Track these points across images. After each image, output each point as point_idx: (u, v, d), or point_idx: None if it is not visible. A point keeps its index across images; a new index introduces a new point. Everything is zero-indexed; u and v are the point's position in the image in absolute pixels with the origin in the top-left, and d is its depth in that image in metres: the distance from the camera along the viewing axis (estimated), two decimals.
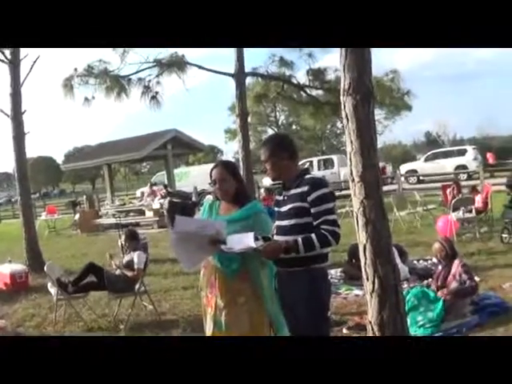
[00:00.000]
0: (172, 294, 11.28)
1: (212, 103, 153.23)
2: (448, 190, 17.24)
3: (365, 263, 5.68)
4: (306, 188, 4.50)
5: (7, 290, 13.22)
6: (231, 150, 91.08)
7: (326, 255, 4.62)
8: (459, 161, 38.09)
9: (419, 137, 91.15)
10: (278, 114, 77.72)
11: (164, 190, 27.14)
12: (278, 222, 4.75)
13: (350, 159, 5.66)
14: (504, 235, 13.37)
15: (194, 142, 31.09)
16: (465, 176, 32.99)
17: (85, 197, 33.57)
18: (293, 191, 4.61)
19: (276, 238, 4.70)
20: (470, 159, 37.40)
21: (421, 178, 37.50)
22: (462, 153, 39.56)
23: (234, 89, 15.42)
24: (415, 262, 11.77)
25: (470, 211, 14.89)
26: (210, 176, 5.19)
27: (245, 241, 4.61)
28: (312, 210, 4.46)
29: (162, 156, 31.18)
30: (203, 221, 5.17)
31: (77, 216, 29.02)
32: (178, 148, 30.44)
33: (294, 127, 77.54)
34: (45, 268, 10.31)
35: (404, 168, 39.91)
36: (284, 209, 4.67)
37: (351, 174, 5.68)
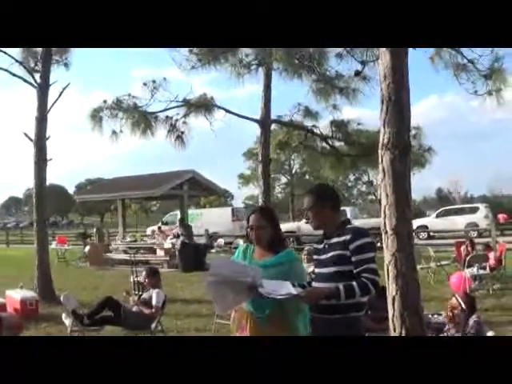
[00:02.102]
0: (185, 335, 11.08)
1: (225, 146, 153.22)
2: (462, 247, 17.35)
3: (393, 315, 5.71)
4: (348, 237, 4.57)
5: (17, 316, 13.08)
6: (242, 195, 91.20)
7: (363, 304, 4.68)
8: (470, 218, 38.27)
9: (430, 193, 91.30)
10: (292, 162, 78.00)
11: (175, 230, 27.24)
12: (317, 270, 4.83)
13: (385, 212, 5.73)
14: None
15: (211, 185, 31.09)
16: (475, 233, 32.99)
17: (95, 229, 33.56)
18: (334, 240, 4.68)
19: (315, 284, 4.77)
20: (481, 217, 37.34)
21: (431, 233, 37.58)
22: (474, 210, 39.89)
23: (259, 134, 15.60)
24: (429, 316, 11.73)
25: (484, 268, 15.00)
26: (247, 221, 5.22)
27: (284, 287, 4.61)
28: (353, 259, 4.52)
29: (178, 196, 31.08)
30: (240, 265, 5.08)
31: (87, 248, 28.90)
32: (195, 189, 30.50)
33: (307, 177, 77.70)
34: (61, 298, 10.31)
35: (415, 223, 39.80)
36: (324, 257, 4.73)
37: (384, 226, 5.75)
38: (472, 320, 8.00)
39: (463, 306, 8.17)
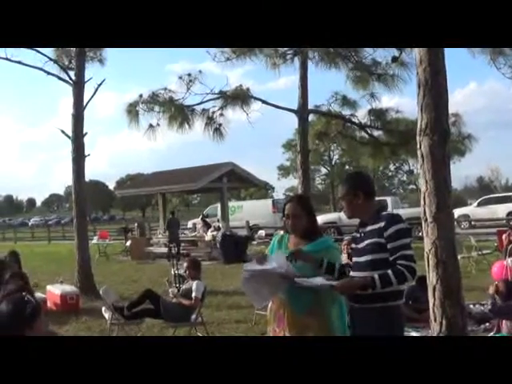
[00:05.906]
0: (225, 327, 11.13)
1: (265, 138, 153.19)
2: (504, 236, 16.99)
3: (433, 304, 5.63)
4: (382, 224, 4.49)
5: (57, 310, 13.17)
6: (282, 187, 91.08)
7: (402, 292, 4.60)
8: (511, 207, 37.43)
9: (471, 182, 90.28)
10: (331, 153, 77.64)
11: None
12: (354, 259, 4.75)
13: (424, 199, 5.62)
14: None
15: (250, 177, 30.97)
16: None
17: (136, 224, 33.78)
18: (370, 227, 4.60)
19: (352, 273, 4.69)
20: None
21: (472, 223, 36.97)
22: None
23: (297, 125, 15.51)
24: (471, 306, 11.52)
25: None
26: (283, 210, 5.19)
27: (318, 279, 4.62)
28: (388, 246, 4.43)
29: (217, 189, 30.95)
30: (271, 261, 4.90)
31: (128, 242, 29.23)
32: (234, 182, 30.24)
33: (347, 167, 77.32)
34: (100, 292, 10.34)
35: (457, 212, 39.23)
36: (361, 245, 4.65)
37: (424, 213, 5.65)
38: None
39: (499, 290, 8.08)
